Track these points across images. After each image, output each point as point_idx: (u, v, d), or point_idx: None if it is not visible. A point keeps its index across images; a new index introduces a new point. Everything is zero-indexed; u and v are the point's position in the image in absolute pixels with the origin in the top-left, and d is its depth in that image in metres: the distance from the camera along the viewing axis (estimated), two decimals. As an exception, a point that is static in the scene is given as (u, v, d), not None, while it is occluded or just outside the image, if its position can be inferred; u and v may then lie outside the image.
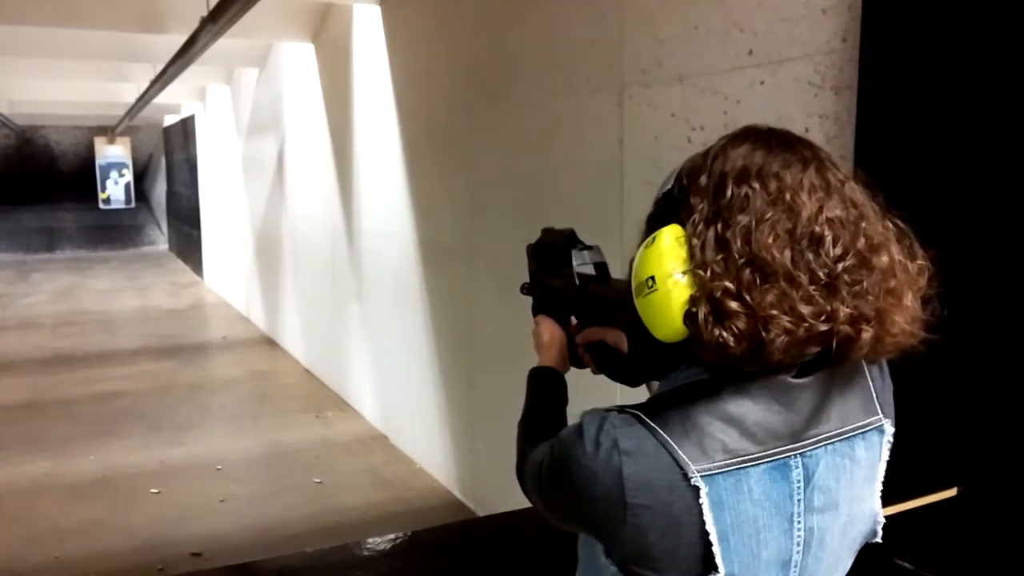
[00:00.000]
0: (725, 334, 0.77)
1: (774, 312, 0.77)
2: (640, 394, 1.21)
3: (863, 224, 0.82)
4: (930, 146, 1.81)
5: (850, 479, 0.89)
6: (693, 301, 0.80)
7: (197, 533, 4.26)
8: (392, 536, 1.70)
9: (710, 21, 2.50)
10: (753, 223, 0.79)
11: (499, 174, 3.93)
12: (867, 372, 0.91)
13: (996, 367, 1.66)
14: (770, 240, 0.78)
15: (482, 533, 1.94)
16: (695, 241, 0.81)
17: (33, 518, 4.51)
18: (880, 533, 0.95)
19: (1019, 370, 1.63)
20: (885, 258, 0.81)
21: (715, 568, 0.82)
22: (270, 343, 8.83)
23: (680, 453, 0.81)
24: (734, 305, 0.77)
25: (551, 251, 1.27)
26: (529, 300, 1.37)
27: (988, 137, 1.70)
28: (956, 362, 1.62)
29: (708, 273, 0.79)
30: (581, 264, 1.22)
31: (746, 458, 0.83)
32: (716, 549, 0.82)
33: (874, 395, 0.91)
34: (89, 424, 6.13)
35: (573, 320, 1.27)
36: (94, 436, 5.82)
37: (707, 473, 0.81)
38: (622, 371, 1.21)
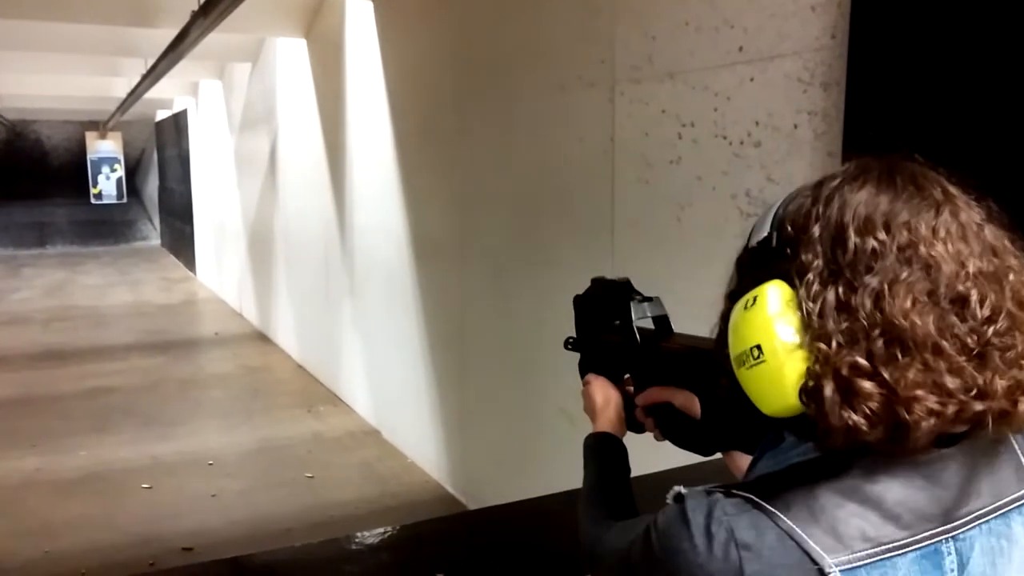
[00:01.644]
0: (856, 417, 0.66)
1: (919, 392, 0.65)
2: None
3: (1011, 276, 0.70)
4: (918, 142, 1.82)
5: (1008, 563, 0.76)
6: (813, 376, 0.68)
7: (188, 528, 4.26)
8: (380, 530, 1.71)
9: (700, 17, 2.51)
10: (885, 285, 0.67)
11: (491, 169, 3.94)
12: (1013, 437, 0.78)
13: None
14: (908, 304, 0.66)
15: (471, 526, 1.95)
16: (810, 305, 0.69)
17: (23, 513, 4.50)
18: None
19: None
20: None
21: None
22: (263, 338, 8.82)
23: (811, 544, 0.68)
24: (867, 385, 0.66)
25: (604, 302, 1.16)
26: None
27: (974, 132, 1.71)
28: None
29: (832, 345, 0.67)
30: (642, 317, 1.11)
31: (891, 546, 0.70)
32: None
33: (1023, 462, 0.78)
34: (80, 419, 6.12)
35: (627, 378, 1.17)
36: (85, 431, 5.82)
37: (847, 567, 0.68)
38: (693, 438, 1.10)
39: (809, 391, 0.68)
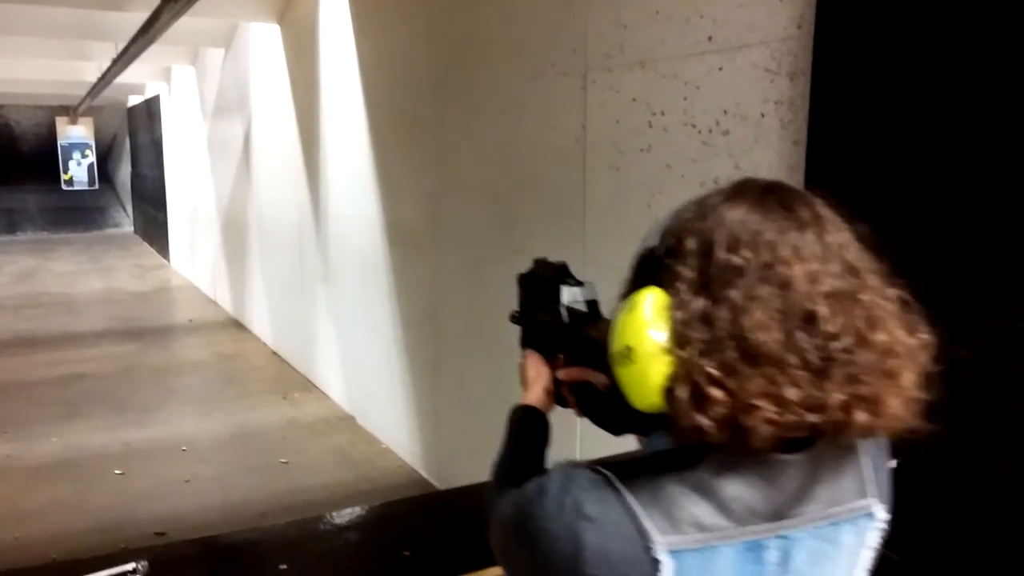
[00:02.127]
0: (705, 420, 0.71)
1: (758, 401, 0.71)
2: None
3: (862, 296, 0.75)
4: (881, 131, 1.87)
5: (832, 566, 0.82)
6: (673, 379, 0.73)
7: (161, 513, 4.25)
8: (349, 510, 1.73)
9: (671, 7, 2.54)
10: (742, 300, 0.72)
11: (465, 157, 3.95)
12: (861, 451, 0.84)
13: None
14: (760, 320, 0.72)
15: (441, 506, 1.98)
16: (678, 314, 0.74)
17: (-6, 500, 4.47)
18: None
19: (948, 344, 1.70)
20: (884, 336, 0.74)
21: None
22: (237, 326, 8.78)
23: (647, 523, 0.74)
24: (715, 392, 0.71)
25: (542, 284, 1.20)
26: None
27: (937, 123, 1.76)
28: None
29: (690, 353, 0.73)
30: (572, 301, 1.15)
31: (718, 534, 0.75)
32: None
33: (866, 475, 0.84)
34: (51, 406, 6.06)
35: (560, 357, 1.21)
36: (56, 418, 5.77)
37: (674, 548, 0.74)
38: (606, 417, 1.13)
39: (667, 393, 0.74)
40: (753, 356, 0.71)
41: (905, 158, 1.81)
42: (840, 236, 0.77)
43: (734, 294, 0.73)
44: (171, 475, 4.79)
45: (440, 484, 4.49)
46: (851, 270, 0.75)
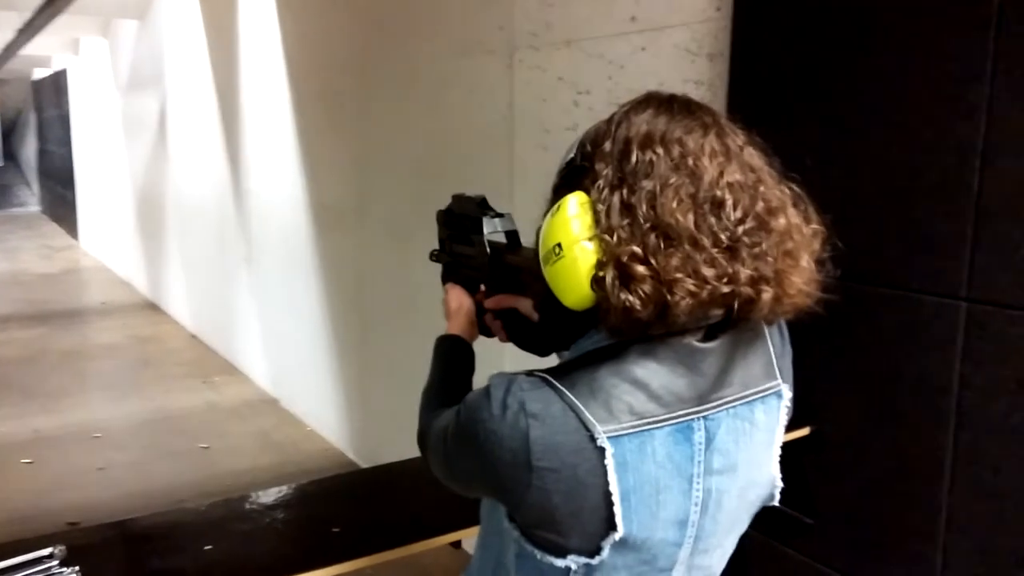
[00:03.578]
0: (632, 298, 0.78)
1: (679, 275, 0.77)
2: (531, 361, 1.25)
3: (761, 188, 0.83)
4: (795, 112, 1.93)
5: (749, 442, 0.90)
6: (600, 266, 0.80)
7: (74, 502, 4.11)
8: (276, 489, 1.70)
9: (596, -14, 2.55)
10: (658, 188, 0.80)
11: (392, 134, 3.91)
12: (768, 337, 0.92)
13: (841, 313, 1.80)
14: (674, 205, 0.79)
15: (369, 483, 1.97)
16: (600, 207, 0.81)
17: None
18: (778, 497, 0.97)
19: (861, 315, 1.78)
20: (782, 221, 0.83)
21: (614, 528, 0.82)
22: (153, 308, 8.50)
23: (587, 415, 0.81)
24: (640, 269, 0.78)
25: (462, 218, 1.23)
26: (434, 267, 1.34)
27: (845, 104, 1.82)
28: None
29: (615, 238, 0.79)
30: (492, 232, 1.19)
31: (651, 420, 0.83)
32: (617, 509, 0.82)
33: (774, 360, 0.92)
34: (-47, 393, 5.78)
35: (482, 288, 1.25)
36: (-41, 405, 5.50)
37: (613, 434, 0.81)
38: (532, 340, 1.19)
39: (597, 279, 0.80)
40: (670, 237, 0.78)
41: (819, 137, 1.88)
42: (738, 139, 0.86)
43: (649, 184, 0.80)
44: (84, 463, 4.62)
45: (367, 465, 4.47)
46: (750, 168, 0.84)
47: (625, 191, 0.81)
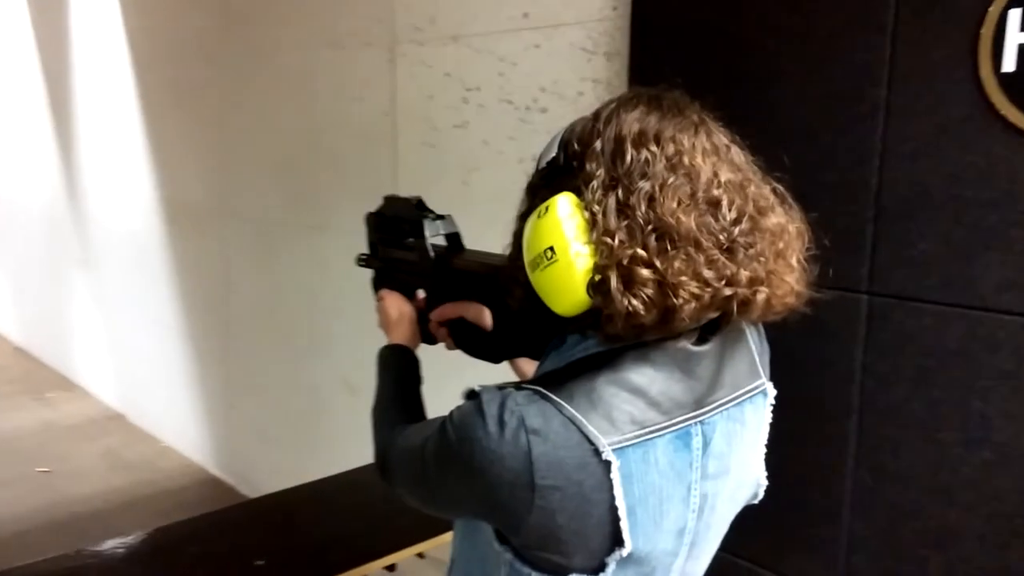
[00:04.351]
0: (635, 302, 0.74)
1: (683, 278, 0.75)
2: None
3: (751, 188, 0.82)
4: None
5: (740, 443, 0.89)
6: (599, 270, 0.76)
7: None
8: (186, 520, 1.53)
9: (484, -19, 2.51)
10: (656, 188, 0.77)
11: (257, 129, 3.69)
12: (748, 335, 0.91)
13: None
14: (674, 205, 0.76)
15: (279, 508, 1.82)
16: (596, 208, 0.77)
17: None
18: (761, 495, 0.96)
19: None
20: (773, 220, 0.81)
21: (621, 543, 0.79)
22: (-31, 319, 7.67)
23: (589, 428, 0.77)
24: (644, 272, 0.74)
25: (397, 221, 1.17)
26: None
27: (750, 104, 1.87)
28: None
29: (615, 240, 0.76)
30: (435, 235, 1.14)
31: (653, 428, 0.80)
32: (624, 524, 0.79)
33: (756, 358, 0.92)
34: None
35: (420, 294, 1.19)
36: None
37: (617, 446, 0.78)
38: (484, 347, 1.14)
39: (596, 284, 0.76)
40: (672, 238, 0.76)
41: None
42: (723, 137, 0.85)
43: (647, 184, 0.77)
44: (-102, 496, 4.09)
45: (234, 480, 4.21)
46: (735, 166, 0.83)
47: (621, 191, 0.77)
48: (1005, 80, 1.42)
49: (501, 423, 0.77)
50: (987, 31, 1.43)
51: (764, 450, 0.95)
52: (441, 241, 1.15)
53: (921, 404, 1.60)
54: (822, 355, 1.75)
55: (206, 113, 4.01)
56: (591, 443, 0.77)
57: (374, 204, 3.28)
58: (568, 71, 2.31)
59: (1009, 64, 1.41)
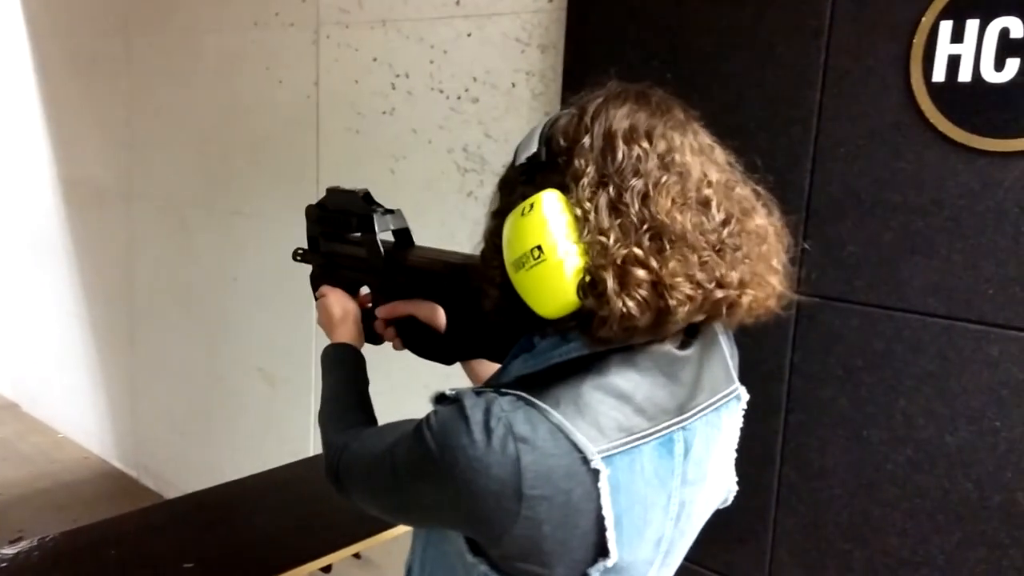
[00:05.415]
0: (630, 304, 0.71)
1: (677, 280, 0.72)
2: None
3: (736, 188, 0.80)
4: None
5: (717, 447, 0.88)
6: (591, 270, 0.73)
7: None
8: (104, 520, 1.43)
9: (416, -35, 2.44)
10: (649, 186, 0.74)
11: (169, 109, 3.51)
12: (721, 341, 0.90)
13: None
14: (668, 204, 0.74)
15: (202, 508, 1.72)
16: (587, 206, 0.74)
17: None
18: (730, 500, 0.94)
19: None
20: (757, 221, 0.80)
21: (606, 554, 0.76)
22: None
23: (577, 435, 0.74)
24: (640, 273, 0.72)
25: (342, 214, 1.10)
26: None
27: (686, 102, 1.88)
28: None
29: (610, 239, 0.72)
30: (384, 230, 1.07)
31: (639, 435, 0.77)
32: (611, 534, 0.76)
33: (729, 362, 0.90)
34: None
35: (364, 291, 1.13)
36: None
37: (605, 454, 0.75)
38: (436, 348, 1.09)
39: (588, 284, 0.73)
40: (666, 238, 0.73)
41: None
42: (706, 137, 0.82)
43: (639, 182, 0.74)
44: None
45: (137, 472, 4.03)
46: (721, 167, 0.81)
47: (612, 189, 0.74)
48: (935, 89, 1.46)
49: (488, 430, 0.73)
50: (919, 40, 1.47)
51: (735, 455, 0.94)
52: (390, 236, 1.10)
53: (848, 403, 1.64)
54: (752, 354, 1.78)
55: (111, 90, 3.79)
56: (579, 451, 0.74)
57: (295, 189, 3.17)
58: (501, 62, 2.27)
59: (939, 74, 1.45)
